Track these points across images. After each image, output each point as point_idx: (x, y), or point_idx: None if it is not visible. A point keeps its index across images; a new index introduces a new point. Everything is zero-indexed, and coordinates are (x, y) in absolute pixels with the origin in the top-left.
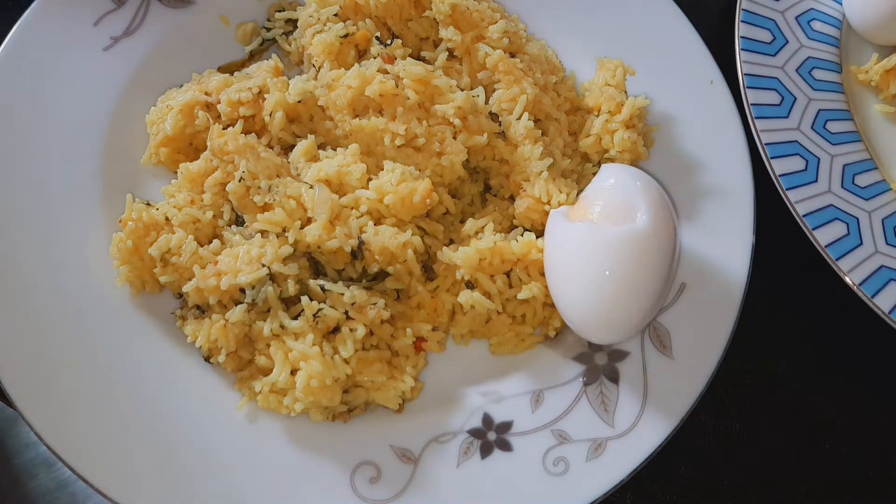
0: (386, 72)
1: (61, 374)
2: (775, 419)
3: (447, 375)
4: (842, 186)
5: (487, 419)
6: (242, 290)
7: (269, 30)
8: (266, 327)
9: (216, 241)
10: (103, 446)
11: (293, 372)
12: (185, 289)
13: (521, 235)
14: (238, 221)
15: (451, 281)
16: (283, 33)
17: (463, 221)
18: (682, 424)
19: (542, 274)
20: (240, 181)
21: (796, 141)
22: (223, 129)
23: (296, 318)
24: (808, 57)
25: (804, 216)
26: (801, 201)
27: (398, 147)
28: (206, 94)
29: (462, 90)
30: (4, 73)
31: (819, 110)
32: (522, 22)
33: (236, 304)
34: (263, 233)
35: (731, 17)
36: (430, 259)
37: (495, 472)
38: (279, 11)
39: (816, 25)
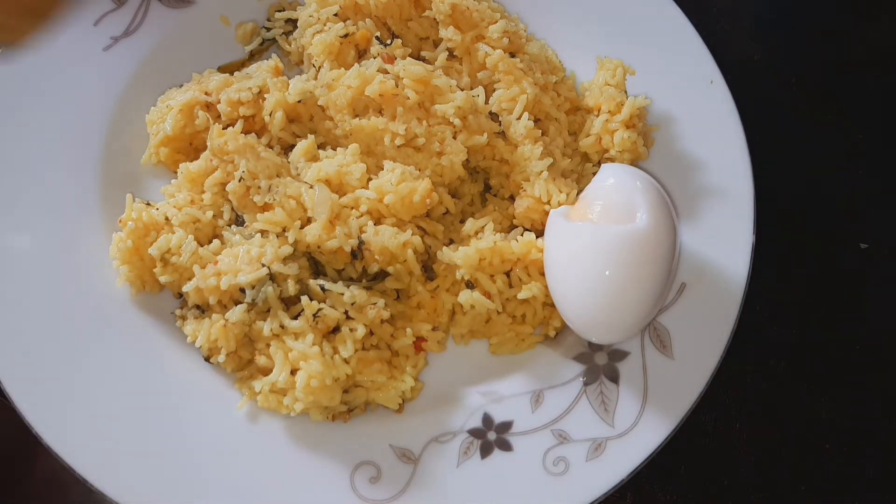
0: (386, 72)
1: (61, 374)
2: (775, 419)
3: (447, 375)
4: None
5: (487, 419)
6: (242, 290)
7: (269, 30)
8: (266, 327)
9: (216, 241)
10: (103, 446)
11: (293, 372)
12: (185, 289)
13: (521, 235)
14: (238, 221)
15: (451, 281)
16: (283, 33)
17: (463, 221)
18: (682, 424)
19: (542, 274)
20: (240, 181)
21: None
22: (223, 128)
23: (296, 318)
24: None
25: None
26: None
27: (398, 147)
28: (206, 93)
29: (462, 90)
30: (4, 73)
31: None
32: (522, 22)
33: (236, 304)
34: (263, 233)
35: (731, 16)
36: (430, 259)
37: (495, 471)
38: (279, 11)
39: None
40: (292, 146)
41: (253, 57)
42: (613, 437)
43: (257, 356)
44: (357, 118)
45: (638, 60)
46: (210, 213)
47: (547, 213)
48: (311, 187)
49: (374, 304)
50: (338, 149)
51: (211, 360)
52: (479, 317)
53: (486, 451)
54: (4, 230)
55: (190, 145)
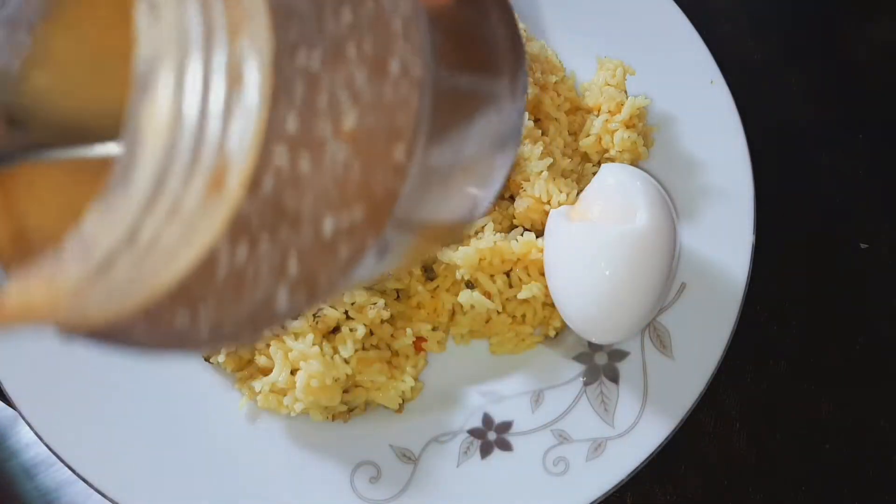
0: None
1: (61, 375)
2: (775, 419)
3: (447, 375)
4: None
5: (487, 419)
6: None
7: None
8: None
9: None
10: (103, 446)
11: (293, 372)
12: None
13: (521, 235)
14: None
15: (451, 281)
16: None
17: None
18: (682, 424)
19: (542, 274)
20: None
21: None
22: None
23: (296, 317)
24: None
25: None
26: None
27: None
28: None
29: None
30: None
31: None
32: (522, 22)
33: None
34: None
35: (731, 16)
36: (430, 259)
37: (495, 472)
38: None
39: None
40: None
41: None
42: (613, 437)
43: (257, 356)
44: None
45: (638, 60)
46: None
47: (547, 213)
48: None
49: (374, 304)
50: None
51: (211, 360)
52: (479, 317)
53: (486, 451)
54: None
55: None
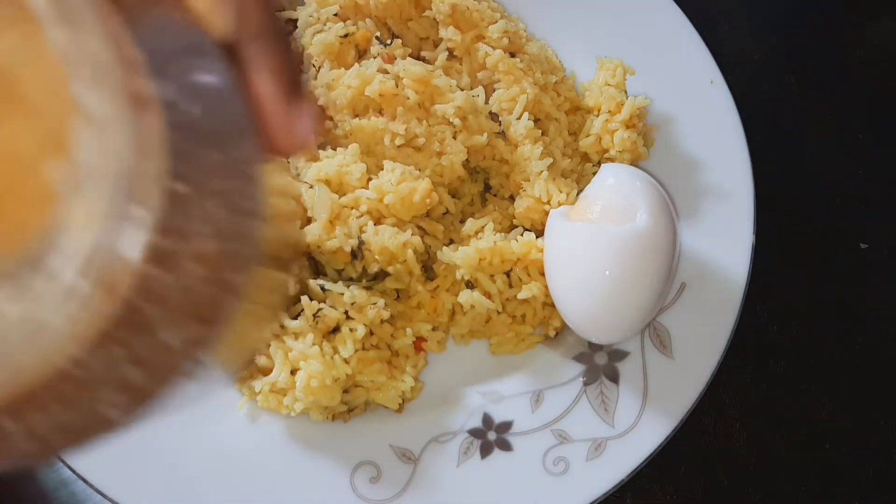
0: (386, 72)
1: None
2: (775, 419)
3: (447, 375)
4: None
5: (487, 419)
6: None
7: None
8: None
9: None
10: (103, 446)
11: (293, 372)
12: None
13: (521, 235)
14: None
15: (451, 281)
16: None
17: (463, 221)
18: (682, 424)
19: (542, 274)
20: None
21: None
22: None
23: (296, 318)
24: None
25: None
26: None
27: (398, 147)
28: None
29: (462, 90)
30: None
31: None
32: (522, 22)
33: None
34: None
35: (731, 16)
36: (430, 259)
37: (495, 471)
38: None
39: None
40: None
41: None
42: (613, 437)
43: (257, 356)
44: (357, 118)
45: (638, 60)
46: None
47: (547, 213)
48: (311, 187)
49: (374, 304)
50: (338, 149)
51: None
52: (479, 317)
53: (486, 451)
54: None
55: None
